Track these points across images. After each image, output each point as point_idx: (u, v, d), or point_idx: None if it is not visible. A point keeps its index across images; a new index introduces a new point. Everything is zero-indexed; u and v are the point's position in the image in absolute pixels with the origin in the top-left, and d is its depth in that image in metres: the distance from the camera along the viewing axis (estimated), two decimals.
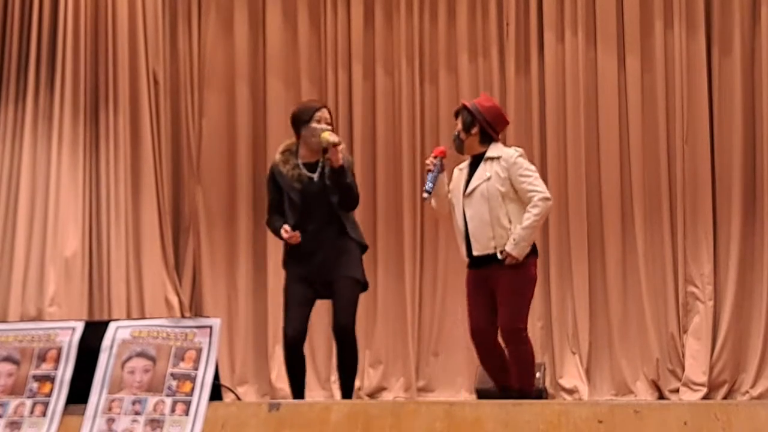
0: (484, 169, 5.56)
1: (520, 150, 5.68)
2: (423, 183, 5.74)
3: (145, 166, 8.18)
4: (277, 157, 5.66)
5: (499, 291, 5.51)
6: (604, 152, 8.38)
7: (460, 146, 5.71)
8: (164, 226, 8.29)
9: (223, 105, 8.77)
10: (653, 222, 8.29)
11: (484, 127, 5.62)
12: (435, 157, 5.63)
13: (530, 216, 5.48)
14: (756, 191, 8.10)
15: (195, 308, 8.44)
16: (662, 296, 8.20)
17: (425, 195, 5.61)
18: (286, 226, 5.51)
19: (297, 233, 5.49)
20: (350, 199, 5.63)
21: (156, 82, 8.39)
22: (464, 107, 5.70)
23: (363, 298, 8.60)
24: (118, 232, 7.97)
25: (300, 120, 5.65)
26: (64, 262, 7.68)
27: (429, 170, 5.62)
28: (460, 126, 5.67)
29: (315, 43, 8.84)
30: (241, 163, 8.66)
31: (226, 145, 8.73)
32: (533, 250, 5.57)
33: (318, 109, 5.65)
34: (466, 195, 5.57)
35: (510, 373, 5.60)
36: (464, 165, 5.74)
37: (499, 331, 5.59)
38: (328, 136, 5.56)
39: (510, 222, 5.48)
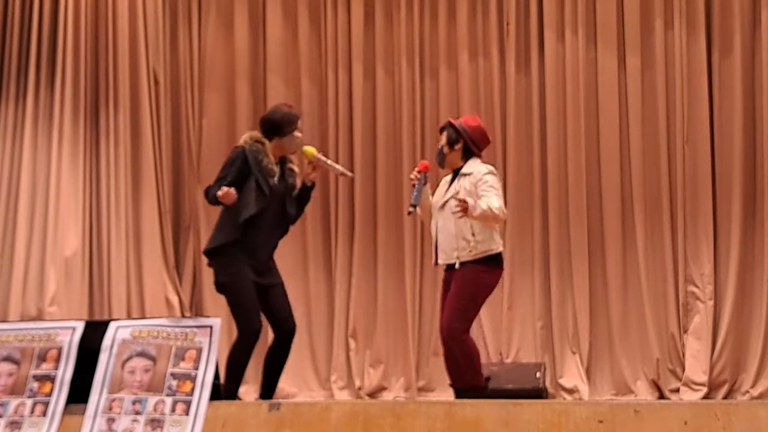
0: (456, 184, 5.71)
1: (491, 168, 5.78)
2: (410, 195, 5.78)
3: (146, 166, 8.19)
4: (255, 145, 5.55)
5: (449, 293, 5.66)
6: (605, 152, 8.38)
7: (442, 160, 5.86)
8: (164, 225, 8.29)
9: (223, 104, 8.77)
10: (653, 222, 8.28)
11: (468, 144, 5.77)
12: (419, 172, 5.74)
13: (488, 205, 5.47)
14: (756, 191, 8.09)
15: (195, 308, 8.43)
16: (662, 296, 8.19)
17: (410, 209, 5.71)
18: (224, 187, 5.38)
19: (233, 190, 5.38)
20: (301, 214, 5.77)
21: (156, 82, 8.39)
22: (450, 124, 5.83)
23: (363, 298, 8.71)
24: (118, 231, 7.97)
25: (284, 128, 5.61)
26: (64, 262, 7.68)
27: (414, 184, 5.71)
28: (444, 141, 5.81)
29: (315, 42, 8.84)
30: None
31: (226, 145, 8.67)
32: (498, 262, 5.68)
33: (299, 118, 5.70)
34: (439, 208, 5.74)
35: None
36: (448, 178, 5.89)
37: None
38: (315, 153, 5.66)
39: (473, 235, 5.59)
